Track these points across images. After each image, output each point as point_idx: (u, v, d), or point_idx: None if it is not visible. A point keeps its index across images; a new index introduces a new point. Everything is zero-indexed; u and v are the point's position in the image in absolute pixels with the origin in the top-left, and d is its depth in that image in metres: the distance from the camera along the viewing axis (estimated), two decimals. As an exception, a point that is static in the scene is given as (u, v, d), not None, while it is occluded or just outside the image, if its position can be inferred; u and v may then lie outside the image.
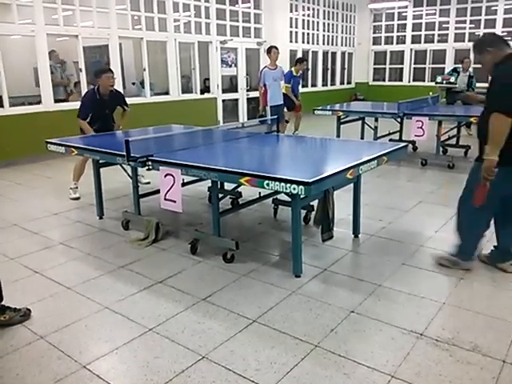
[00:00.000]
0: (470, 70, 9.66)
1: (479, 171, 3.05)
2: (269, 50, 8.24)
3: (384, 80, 16.09)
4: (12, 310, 2.86)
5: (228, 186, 4.71)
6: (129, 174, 4.49)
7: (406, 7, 14.88)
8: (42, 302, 3.14)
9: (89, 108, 5.38)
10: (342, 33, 15.38)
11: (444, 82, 9.86)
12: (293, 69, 9.04)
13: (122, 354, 2.56)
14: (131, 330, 2.78)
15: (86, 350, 2.60)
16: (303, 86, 13.62)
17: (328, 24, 14.61)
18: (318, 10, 14.05)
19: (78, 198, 5.51)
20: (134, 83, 10.41)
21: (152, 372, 2.39)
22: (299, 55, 13.35)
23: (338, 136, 7.77)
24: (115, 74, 8.68)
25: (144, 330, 2.77)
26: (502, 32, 13.37)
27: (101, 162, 4.60)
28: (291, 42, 12.94)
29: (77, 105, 5.67)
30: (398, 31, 15.54)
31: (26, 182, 6.48)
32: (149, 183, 5.90)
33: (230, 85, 11.82)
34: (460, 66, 9.73)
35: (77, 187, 5.58)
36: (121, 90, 8.96)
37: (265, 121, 6.29)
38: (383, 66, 16.07)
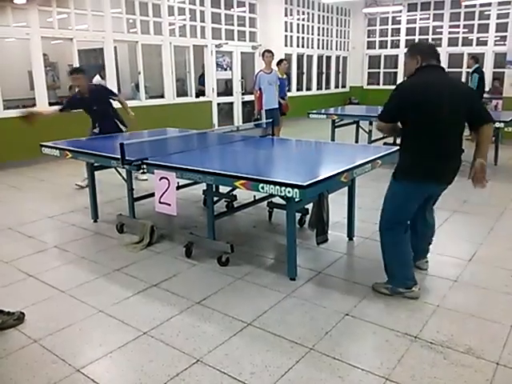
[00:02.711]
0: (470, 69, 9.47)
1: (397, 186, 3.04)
2: (263, 54, 8.27)
3: (378, 84, 16.15)
4: (5, 314, 2.84)
5: (223, 189, 4.71)
6: (123, 178, 4.48)
7: (400, 12, 14.96)
8: (36, 305, 3.12)
9: (70, 104, 5.65)
10: (337, 37, 15.43)
11: None
12: (277, 72, 9.02)
13: (116, 357, 2.56)
14: (126, 333, 2.77)
15: (81, 354, 2.60)
16: (298, 90, 13.70)
17: (323, 28, 14.66)
18: (312, 14, 14.10)
19: (83, 187, 5.73)
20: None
21: (146, 376, 2.38)
22: (294, 59, 13.43)
23: (333, 140, 7.79)
24: (111, 76, 8.84)
25: (138, 333, 2.77)
26: (495, 37, 13.49)
27: (95, 165, 4.59)
28: (286, 45, 12.96)
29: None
30: (392, 35, 15.61)
31: (21, 185, 6.45)
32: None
33: (225, 88, 11.83)
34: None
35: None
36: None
37: (260, 124, 6.30)
38: (377, 70, 16.13)
